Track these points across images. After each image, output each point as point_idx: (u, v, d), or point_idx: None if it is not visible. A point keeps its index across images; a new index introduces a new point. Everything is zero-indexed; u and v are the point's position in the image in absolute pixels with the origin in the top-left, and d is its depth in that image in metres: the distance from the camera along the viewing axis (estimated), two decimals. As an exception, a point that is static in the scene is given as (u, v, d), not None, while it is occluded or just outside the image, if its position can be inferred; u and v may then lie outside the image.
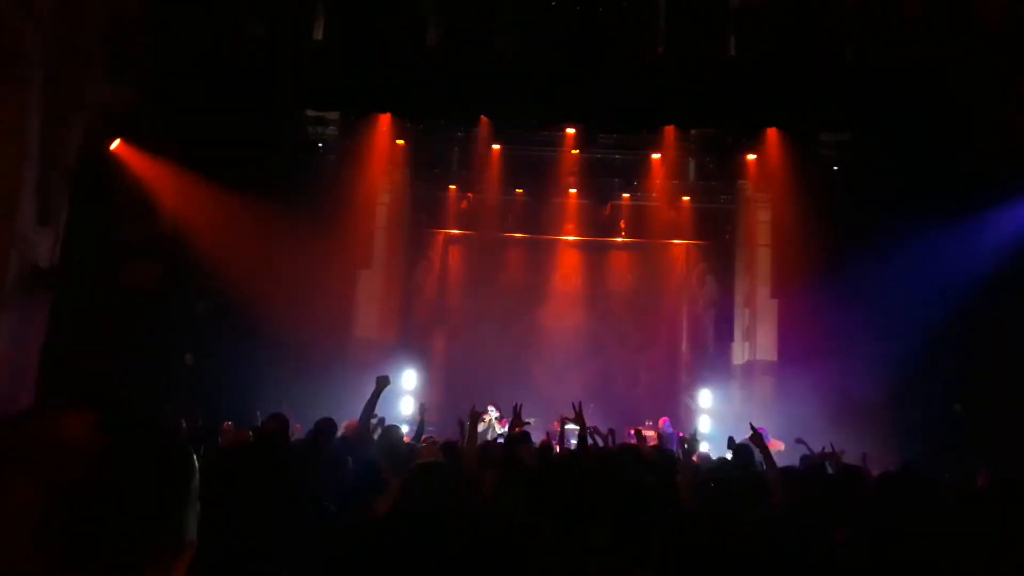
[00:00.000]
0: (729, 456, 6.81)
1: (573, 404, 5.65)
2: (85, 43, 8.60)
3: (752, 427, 5.11)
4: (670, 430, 11.07)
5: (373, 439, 5.63)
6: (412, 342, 15.43)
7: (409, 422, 12.11)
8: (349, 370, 12.83)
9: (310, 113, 13.28)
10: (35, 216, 8.58)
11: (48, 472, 0.73)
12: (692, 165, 14.61)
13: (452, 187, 15.28)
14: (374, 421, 5.76)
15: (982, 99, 9.25)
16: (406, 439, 6.47)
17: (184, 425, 7.90)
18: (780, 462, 7.86)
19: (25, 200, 8.40)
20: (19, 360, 8.49)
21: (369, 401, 5.13)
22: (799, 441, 7.10)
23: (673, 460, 5.62)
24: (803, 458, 6.37)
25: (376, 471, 4.08)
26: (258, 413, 7.32)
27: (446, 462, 3.97)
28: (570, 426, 11.04)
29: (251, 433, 6.18)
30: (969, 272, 9.54)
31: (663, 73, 10.64)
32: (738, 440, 6.87)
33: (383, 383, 5.20)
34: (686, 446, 5.32)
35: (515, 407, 5.75)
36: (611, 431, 6.97)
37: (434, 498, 3.21)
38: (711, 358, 15.08)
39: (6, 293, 8.28)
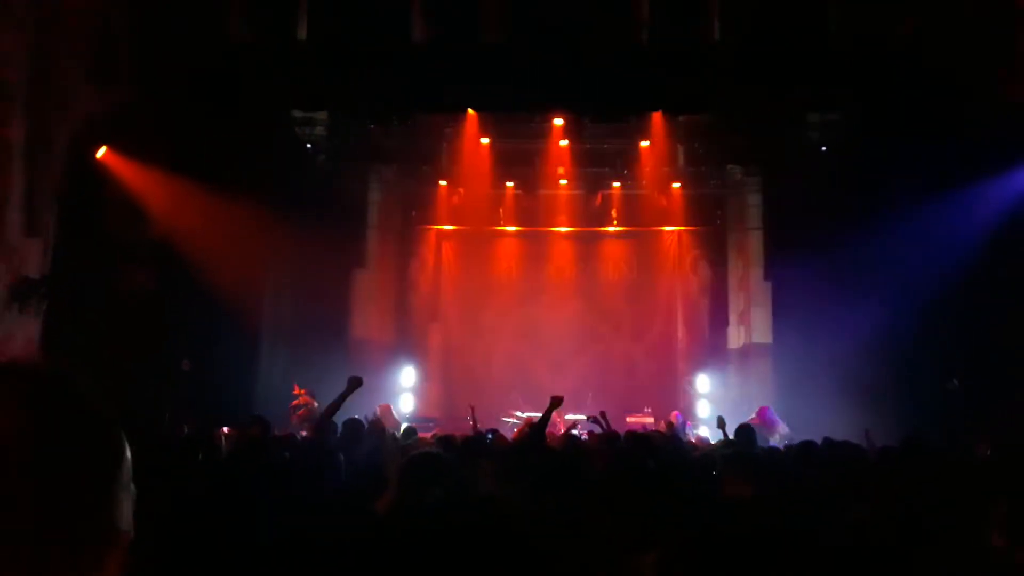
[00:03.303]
0: (721, 437, 6.87)
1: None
2: (69, 48, 8.52)
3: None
4: (679, 423, 11.00)
5: (335, 436, 5.45)
6: (409, 339, 15.42)
7: (410, 419, 12.10)
8: (348, 370, 12.79)
9: (297, 114, 13.21)
10: (23, 225, 8.52)
11: None
12: (681, 151, 14.61)
13: (443, 183, 15.25)
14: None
15: (968, 71, 9.26)
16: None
17: (185, 431, 7.88)
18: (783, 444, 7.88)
19: (12, 210, 8.34)
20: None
21: (335, 400, 4.82)
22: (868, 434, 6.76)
23: (678, 445, 5.63)
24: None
25: (374, 468, 4.04)
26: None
27: (442, 452, 3.95)
28: (570, 416, 11.06)
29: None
30: (961, 246, 9.54)
31: (647, 60, 10.65)
32: (728, 423, 6.91)
33: (355, 384, 4.87)
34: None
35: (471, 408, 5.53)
36: (602, 413, 6.98)
37: (431, 489, 3.18)
38: (707, 343, 15.12)
39: (-2, 305, 8.22)
